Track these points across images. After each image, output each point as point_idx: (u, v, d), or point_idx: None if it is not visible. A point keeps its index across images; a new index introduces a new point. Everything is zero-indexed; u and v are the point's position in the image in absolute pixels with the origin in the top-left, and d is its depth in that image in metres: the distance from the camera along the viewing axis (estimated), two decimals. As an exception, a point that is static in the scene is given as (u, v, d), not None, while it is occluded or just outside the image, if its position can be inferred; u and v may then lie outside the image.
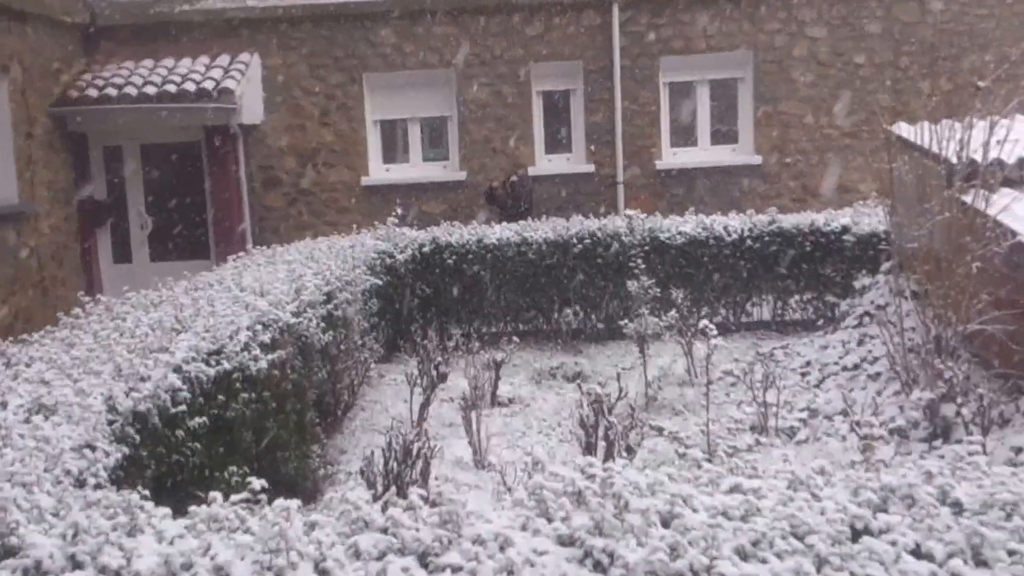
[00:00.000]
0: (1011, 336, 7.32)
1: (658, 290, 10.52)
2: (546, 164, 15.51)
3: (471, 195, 15.23)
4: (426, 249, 11.92)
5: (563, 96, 15.64)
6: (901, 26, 15.09)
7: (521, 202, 14.47)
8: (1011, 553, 3.05)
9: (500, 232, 12.02)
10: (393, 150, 15.90)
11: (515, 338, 10.41)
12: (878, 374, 8.65)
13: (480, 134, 15.31)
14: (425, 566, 3.06)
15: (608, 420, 6.77)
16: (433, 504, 3.46)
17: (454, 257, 11.88)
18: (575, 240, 11.74)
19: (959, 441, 6.62)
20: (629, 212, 12.09)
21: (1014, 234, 7.60)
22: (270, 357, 6.57)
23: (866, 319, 9.68)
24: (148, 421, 5.03)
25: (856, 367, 9.02)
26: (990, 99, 8.46)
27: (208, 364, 5.85)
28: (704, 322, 8.54)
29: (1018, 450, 6.35)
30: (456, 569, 3.01)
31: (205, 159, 14.60)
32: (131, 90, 13.89)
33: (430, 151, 15.91)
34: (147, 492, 3.79)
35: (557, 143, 15.73)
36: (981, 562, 3.07)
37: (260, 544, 3.16)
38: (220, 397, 5.88)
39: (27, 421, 4.73)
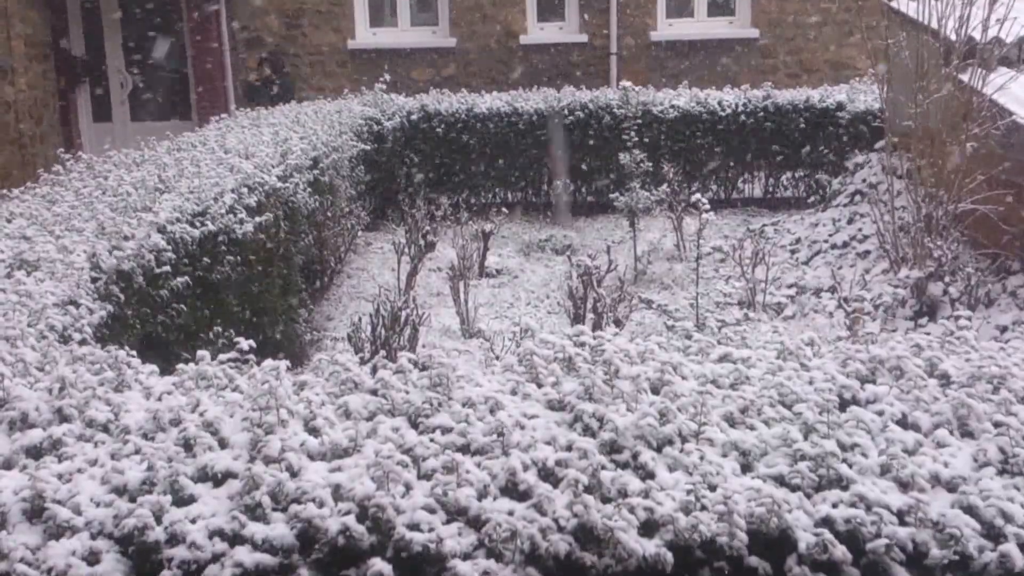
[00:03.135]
0: (1002, 216, 7.31)
1: (650, 164, 10.42)
2: (538, 33, 15.17)
3: (462, 62, 14.93)
4: (414, 117, 11.74)
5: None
6: None
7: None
8: (997, 425, 3.08)
9: (491, 102, 11.84)
10: (381, 12, 15.49)
11: (504, 209, 10.35)
12: (867, 252, 8.66)
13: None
14: (415, 427, 3.07)
15: (597, 292, 6.77)
16: (423, 368, 3.46)
17: (443, 126, 11.71)
18: (567, 111, 11.57)
19: (946, 319, 6.67)
20: (625, 84, 11.89)
21: (1010, 114, 7.51)
22: (256, 220, 6.51)
23: (857, 197, 9.65)
24: (132, 280, 4.99)
25: (845, 245, 9.03)
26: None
27: (193, 225, 5.78)
28: (696, 196, 8.50)
29: (1003, 329, 6.40)
30: (446, 430, 3.02)
31: (186, 16, 14.21)
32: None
33: (419, 15, 15.51)
34: (133, 352, 3.77)
35: (550, 10, 15.34)
36: (967, 433, 3.10)
37: (249, 402, 3.16)
38: (205, 259, 5.84)
39: (9, 276, 4.68)
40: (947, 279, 7.15)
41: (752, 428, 3.08)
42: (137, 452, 2.93)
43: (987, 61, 7.87)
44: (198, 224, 5.83)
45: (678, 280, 9.17)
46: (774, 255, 9.05)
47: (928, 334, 6.19)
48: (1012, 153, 7.52)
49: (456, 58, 14.97)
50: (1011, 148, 7.51)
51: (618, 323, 6.77)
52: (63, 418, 3.16)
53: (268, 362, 3.44)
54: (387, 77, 12.86)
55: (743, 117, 11.51)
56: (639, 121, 11.31)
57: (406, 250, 8.54)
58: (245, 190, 6.64)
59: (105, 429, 3.11)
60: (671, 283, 9.14)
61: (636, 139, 10.82)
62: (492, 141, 11.67)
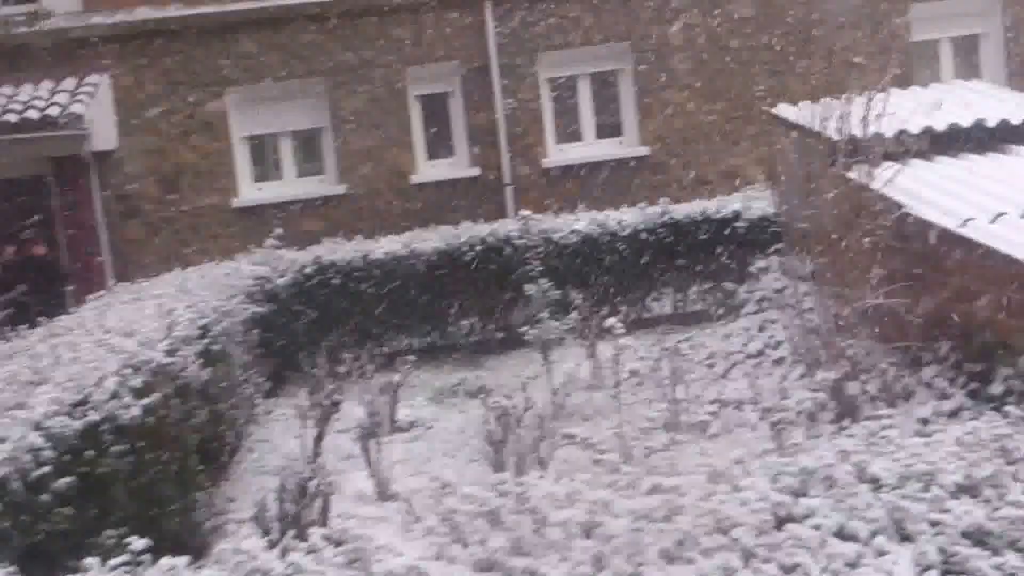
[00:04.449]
0: (907, 308, 7.57)
1: (557, 292, 10.58)
2: (429, 171, 15.47)
3: (354, 208, 15.08)
4: (309, 271, 11.76)
5: (442, 99, 15.63)
6: (773, 9, 15.50)
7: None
8: (933, 524, 3.15)
9: (387, 246, 11.95)
10: (264, 168, 15.65)
11: (411, 357, 10.34)
12: (782, 358, 8.86)
13: (357, 144, 15.19)
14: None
15: (517, 433, 6.77)
16: (338, 544, 3.39)
17: (340, 276, 11.75)
18: (467, 247, 11.73)
19: (867, 418, 6.82)
20: (524, 213, 12.15)
21: (900, 206, 7.88)
22: (143, 402, 6.31)
23: (765, 304, 9.92)
24: (8, 487, 4.75)
25: (760, 353, 9.23)
26: (864, 75, 8.76)
27: (73, 417, 5.54)
28: (610, 320, 8.64)
29: (924, 421, 6.57)
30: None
31: (55, 192, 14.12)
32: (-34, 124, 13.37)
33: (305, 166, 15.71)
34: (14, 568, 3.58)
35: (439, 147, 15.71)
36: (905, 536, 3.16)
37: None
38: (89, 452, 5.59)
39: None
40: (863, 377, 7.34)
41: (691, 561, 3.09)
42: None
43: (871, 157, 8.28)
44: (78, 415, 5.62)
45: (599, 409, 9.21)
46: (692, 372, 9.19)
47: (852, 436, 6.33)
48: (907, 244, 7.86)
49: (348, 205, 15.13)
50: (906, 240, 7.85)
51: (542, 463, 6.76)
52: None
53: (165, 561, 3.33)
54: (278, 232, 12.92)
55: (644, 235, 11.83)
56: (541, 249, 11.53)
57: (310, 414, 8.41)
58: (129, 371, 6.44)
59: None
60: (592, 413, 9.17)
61: (541, 268, 11.01)
62: (392, 286, 11.73)
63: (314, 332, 11.58)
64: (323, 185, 15.38)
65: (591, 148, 15.77)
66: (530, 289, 10.61)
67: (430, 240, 11.95)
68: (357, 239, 12.62)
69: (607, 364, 9.63)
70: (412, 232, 12.54)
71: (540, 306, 10.39)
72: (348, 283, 11.73)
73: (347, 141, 15.18)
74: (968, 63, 15.88)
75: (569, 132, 15.85)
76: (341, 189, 15.19)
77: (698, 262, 11.86)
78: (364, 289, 11.72)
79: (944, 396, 6.81)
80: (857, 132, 8.34)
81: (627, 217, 12.04)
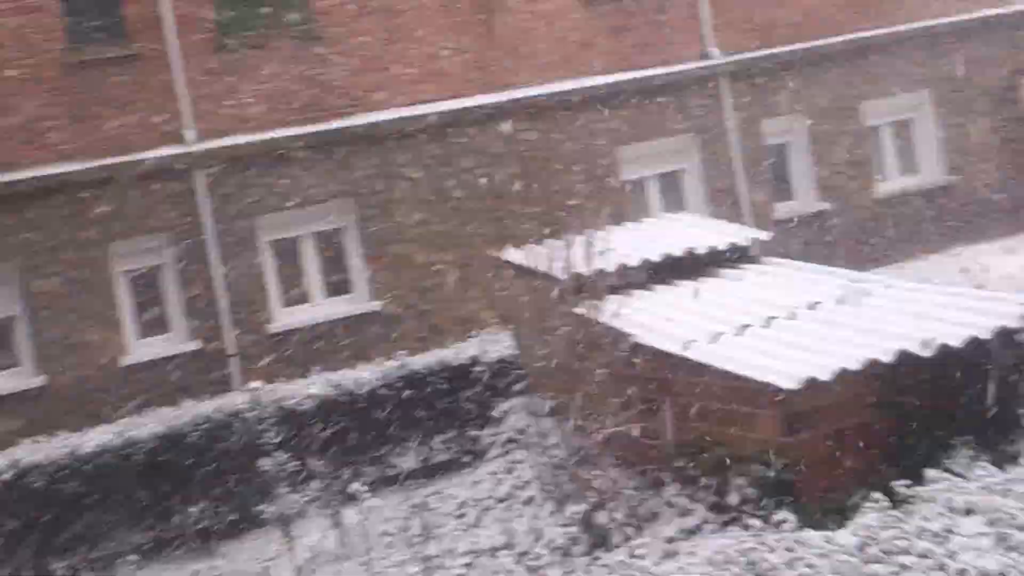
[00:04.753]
0: (645, 433, 8.05)
1: (295, 462, 10.46)
2: (142, 350, 14.84)
3: (57, 401, 14.23)
4: (6, 477, 10.97)
5: (153, 273, 15.28)
6: (491, 157, 16.35)
7: None
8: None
9: (98, 438, 11.34)
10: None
11: (132, 557, 9.80)
12: (532, 498, 9.12)
13: (56, 330, 14.45)
14: None
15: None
16: None
17: (44, 478, 11.00)
18: (190, 428, 11.39)
19: (618, 546, 7.14)
20: (253, 384, 11.98)
21: (628, 336, 8.45)
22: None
23: (511, 446, 10.21)
24: None
25: (510, 496, 9.46)
26: (583, 214, 9.42)
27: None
28: (355, 485, 8.64)
29: (671, 540, 6.95)
30: None
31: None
32: None
33: (-2, 359, 14.73)
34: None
35: (152, 323, 15.20)
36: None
37: None
38: None
39: None
40: (610, 505, 7.69)
41: None
42: None
43: (596, 292, 8.86)
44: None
45: (351, 580, 9.11)
46: (443, 524, 9.29)
47: (606, 566, 6.63)
48: (638, 372, 8.40)
49: (50, 398, 14.28)
50: (636, 367, 8.40)
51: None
52: None
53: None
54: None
55: (383, 391, 11.92)
56: (275, 420, 11.38)
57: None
58: None
59: None
60: (344, 583, 9.06)
61: (276, 439, 10.85)
62: (107, 482, 11.09)
63: (15, 545, 10.77)
64: (19, 379, 14.37)
65: (320, 308, 15.81)
66: (265, 463, 10.43)
67: (148, 425, 11.50)
68: (63, 434, 11.86)
69: (355, 530, 9.56)
70: (127, 420, 11.99)
71: (277, 480, 10.21)
72: (54, 484, 10.98)
73: (44, 328, 14.39)
74: (673, 196, 17.31)
75: (296, 294, 15.87)
76: (40, 381, 14.34)
77: (440, 412, 12.05)
78: (75, 487, 11.02)
79: (687, 512, 7.24)
80: (581, 269, 8.92)
81: (364, 375, 12.12)
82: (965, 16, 18.72)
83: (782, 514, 4.15)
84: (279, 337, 15.32)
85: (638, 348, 8.38)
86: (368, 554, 8.51)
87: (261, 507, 10.02)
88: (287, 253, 15.84)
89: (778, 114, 17.71)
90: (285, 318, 15.54)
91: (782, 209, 17.61)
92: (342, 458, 11.67)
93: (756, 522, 4.46)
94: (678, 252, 9.99)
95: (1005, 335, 6.42)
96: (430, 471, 12.02)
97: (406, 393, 11.97)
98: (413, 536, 8.48)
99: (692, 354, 7.79)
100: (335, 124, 15.69)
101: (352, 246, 15.98)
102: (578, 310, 8.79)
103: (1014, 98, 18.95)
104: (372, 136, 15.80)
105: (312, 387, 11.97)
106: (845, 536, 3.91)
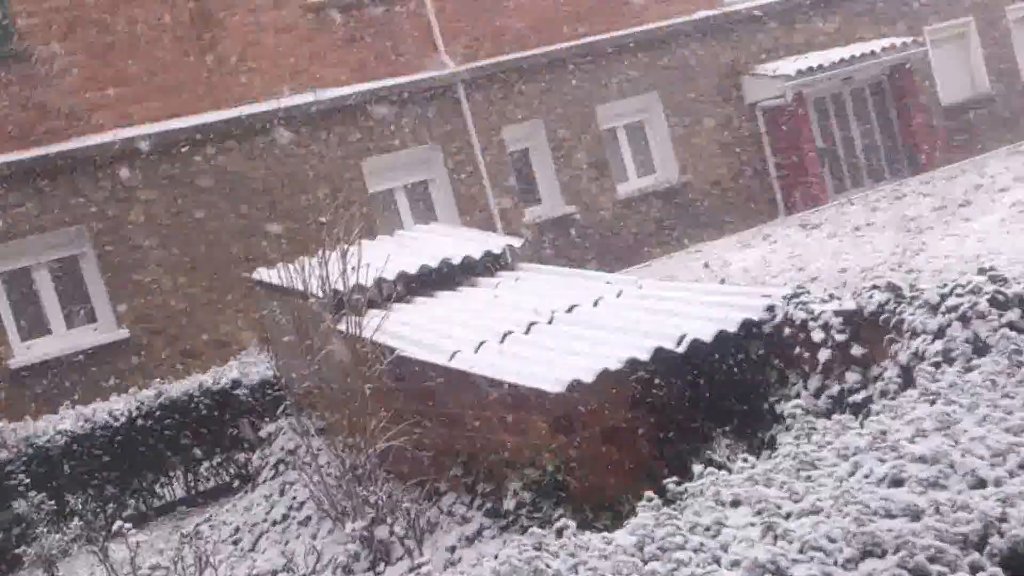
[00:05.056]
0: (417, 444, 8.11)
1: (53, 502, 9.93)
2: None
3: None
4: None
5: None
6: (231, 176, 15.95)
7: None
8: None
9: None
10: None
11: None
12: (308, 518, 8.99)
13: None
14: None
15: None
16: None
17: None
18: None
19: (400, 559, 7.17)
20: (-1, 423, 11.31)
21: (392, 350, 8.47)
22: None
23: (282, 466, 10.04)
24: None
25: (285, 518, 9.29)
26: (334, 231, 9.35)
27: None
28: (118, 523, 8.27)
29: (452, 549, 7.05)
30: None
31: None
32: None
33: None
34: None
35: None
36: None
37: None
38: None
39: None
40: (389, 520, 7.71)
41: None
42: None
43: (356, 308, 8.82)
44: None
45: (124, 619, 8.71)
46: (218, 552, 9.02)
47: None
48: (405, 385, 8.45)
49: None
50: (402, 380, 8.44)
51: None
52: None
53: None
54: None
55: (141, 421, 11.48)
56: (26, 459, 10.79)
57: None
58: None
59: None
60: (116, 625, 8.66)
61: (28, 480, 10.29)
62: None
63: None
64: None
65: (63, 340, 15.01)
66: (20, 505, 9.86)
67: None
68: None
69: (125, 566, 9.17)
70: None
71: (34, 521, 9.66)
72: None
73: None
74: (423, 206, 17.46)
75: (35, 327, 15.00)
76: None
77: (205, 437, 11.72)
78: None
79: (465, 520, 7.35)
80: (339, 286, 8.85)
81: (118, 406, 11.61)
82: (684, 18, 19.77)
83: (563, 522, 4.28)
84: (20, 373, 14.45)
85: (403, 361, 8.42)
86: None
87: (21, 550, 9.45)
88: (21, 286, 14.98)
89: (517, 120, 18.17)
90: (25, 353, 14.69)
91: (530, 214, 18.10)
92: (103, 493, 11.19)
93: (537, 530, 4.58)
94: (434, 263, 10.07)
95: (750, 326, 6.86)
96: (199, 499, 11.69)
97: (167, 421, 11.57)
98: (187, 566, 8.17)
99: (457, 364, 7.89)
100: (55, 148, 14.90)
101: (92, 274, 15.24)
102: (340, 327, 8.73)
103: (736, 96, 20.20)
104: (96, 158, 15.12)
105: (63, 423, 11.38)
106: (623, 536, 4.07)
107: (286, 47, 16.63)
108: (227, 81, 16.15)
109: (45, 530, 9.49)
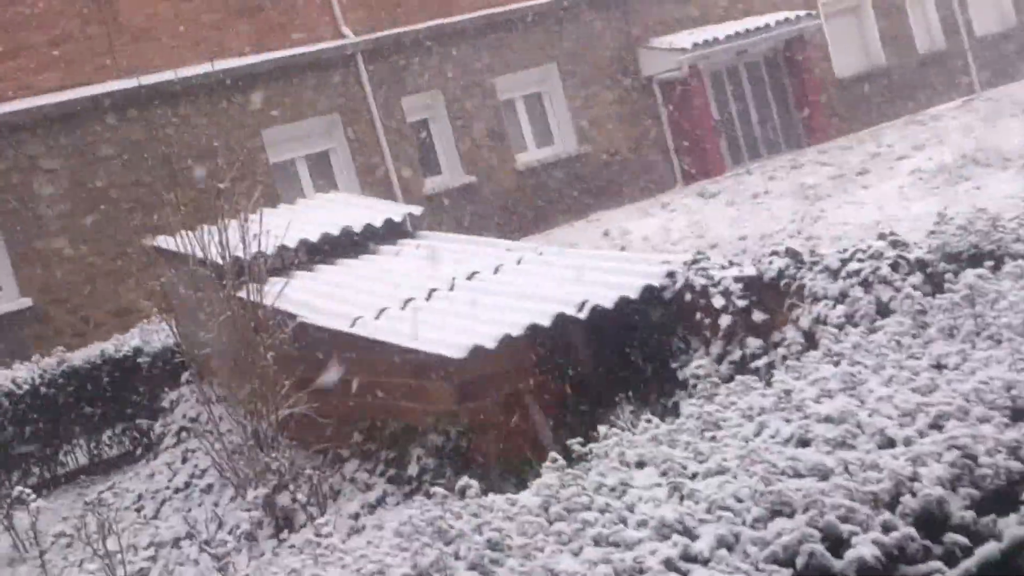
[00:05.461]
0: (320, 412, 7.77)
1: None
2: None
3: None
4: None
5: None
6: (132, 145, 15.31)
7: None
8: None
9: None
10: None
11: None
12: (210, 486, 8.62)
13: None
14: None
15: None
16: None
17: None
18: None
19: (303, 526, 6.85)
20: None
21: (294, 316, 8.10)
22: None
23: (184, 434, 9.62)
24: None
25: (188, 485, 8.90)
26: (233, 199, 8.91)
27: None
28: (18, 488, 7.82)
29: (356, 516, 6.75)
30: None
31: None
32: None
33: None
34: None
35: None
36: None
37: None
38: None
39: None
40: (291, 487, 7.37)
41: None
42: None
43: (257, 275, 8.41)
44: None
45: (21, 585, 8.28)
46: (121, 520, 8.60)
47: (293, 546, 6.33)
48: (309, 351, 8.09)
49: None
50: (305, 347, 8.07)
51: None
52: None
53: None
54: None
55: (44, 389, 10.91)
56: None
57: None
58: None
59: None
60: (18, 591, 8.22)
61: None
62: None
63: None
64: None
65: (-38, 308, 14.30)
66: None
67: None
68: None
69: (29, 533, 8.71)
70: None
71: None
72: None
73: None
74: (324, 176, 16.94)
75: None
76: None
77: (107, 405, 11.19)
78: None
79: (368, 487, 7.05)
80: (239, 253, 8.44)
81: (20, 374, 11.01)
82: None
83: (465, 481, 4.04)
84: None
85: (305, 328, 8.07)
86: (42, 556, 7.72)
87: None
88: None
89: (417, 91, 17.73)
90: (-74, 321, 13.94)
91: (431, 184, 17.68)
92: (6, 461, 10.62)
93: (440, 491, 4.33)
94: (335, 231, 9.73)
95: (651, 293, 6.66)
96: (102, 467, 11.17)
97: (70, 388, 11.01)
98: (90, 533, 7.75)
99: (359, 330, 7.58)
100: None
101: (-6, 243, 14.54)
102: (240, 294, 8.32)
103: (633, 68, 19.93)
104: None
105: (-37, 391, 10.74)
106: (528, 497, 3.84)
107: (187, 17, 15.98)
108: (128, 50, 15.47)
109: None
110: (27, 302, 14.44)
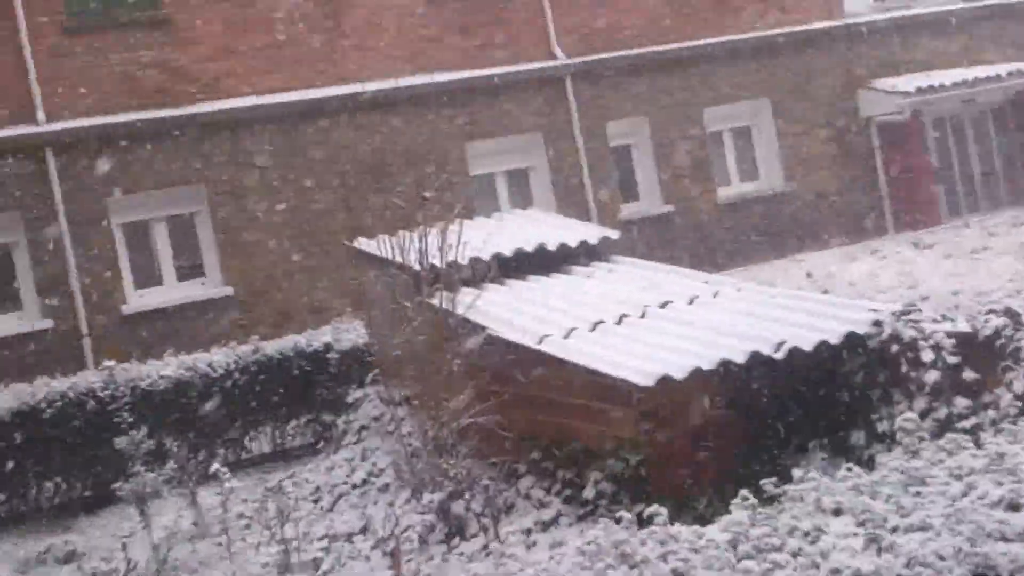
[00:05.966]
0: (499, 424, 7.85)
1: (151, 442, 9.92)
2: (-6, 328, 14.03)
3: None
4: None
5: (5, 251, 14.37)
6: (341, 150, 15.90)
7: None
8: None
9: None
10: None
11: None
12: (387, 485, 8.82)
13: None
14: None
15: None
16: None
17: None
18: (45, 405, 10.72)
19: (475, 535, 6.93)
20: (108, 363, 11.38)
21: (483, 329, 8.23)
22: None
23: (364, 432, 9.89)
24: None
25: (365, 482, 9.13)
26: (436, 208, 9.16)
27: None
28: (216, 465, 8.24)
29: (528, 532, 6.77)
30: None
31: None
32: None
33: None
34: None
35: (5, 302, 14.34)
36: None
37: None
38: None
39: None
40: (467, 495, 7.48)
41: None
42: None
43: (451, 284, 8.62)
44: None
45: (206, 561, 8.65)
46: (298, 509, 8.91)
47: (462, 554, 6.41)
48: (492, 364, 8.20)
49: None
50: (492, 359, 8.19)
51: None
52: None
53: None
54: None
55: (237, 374, 11.45)
56: (129, 399, 10.85)
57: None
58: None
59: None
60: (198, 566, 8.61)
61: (131, 419, 10.31)
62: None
63: None
64: None
65: (173, 291, 15.11)
66: (121, 442, 9.86)
67: (2, 398, 10.80)
68: None
69: (210, 512, 9.14)
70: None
71: (134, 458, 9.66)
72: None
73: None
74: (522, 192, 17.17)
75: (148, 277, 15.13)
76: None
77: (294, 397, 11.64)
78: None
79: (542, 505, 7.07)
80: (436, 261, 8.66)
81: (217, 358, 11.60)
82: (801, 27, 19.03)
83: (654, 508, 4.00)
84: (132, 318, 14.60)
85: (493, 340, 8.19)
86: (224, 535, 8.08)
87: (117, 485, 9.46)
88: (139, 236, 15.14)
89: (622, 116, 17.76)
90: (137, 300, 14.83)
91: (627, 210, 17.65)
92: (196, 439, 11.19)
93: (627, 515, 4.30)
94: (529, 248, 9.84)
95: (854, 340, 6.43)
96: (285, 455, 11.62)
97: (260, 377, 11.53)
98: (269, 518, 8.07)
99: (547, 348, 7.63)
100: (185, 110, 15.05)
101: (204, 231, 15.32)
102: (433, 301, 8.53)
103: (851, 109, 19.42)
104: (221, 123, 15.21)
105: (166, 368, 11.40)
106: (716, 532, 3.79)
107: (406, 30, 16.54)
108: (349, 58, 16.13)
109: (142, 468, 9.49)
110: (229, 291, 15.11)
